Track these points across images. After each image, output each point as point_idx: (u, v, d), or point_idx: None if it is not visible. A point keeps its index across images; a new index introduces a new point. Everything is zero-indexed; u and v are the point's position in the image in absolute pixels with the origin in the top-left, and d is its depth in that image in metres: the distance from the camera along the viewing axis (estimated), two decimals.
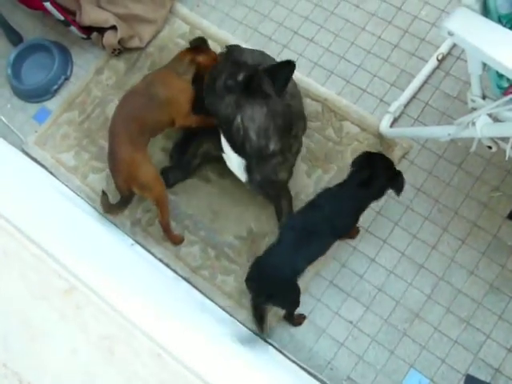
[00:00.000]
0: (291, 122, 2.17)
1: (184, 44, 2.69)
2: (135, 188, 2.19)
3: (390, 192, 2.28)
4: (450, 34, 1.46)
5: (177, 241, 2.37)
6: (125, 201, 2.26)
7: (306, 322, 2.22)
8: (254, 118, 2.05)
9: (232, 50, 2.35)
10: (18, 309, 0.88)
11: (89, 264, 1.07)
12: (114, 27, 2.66)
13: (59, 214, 1.65)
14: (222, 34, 2.69)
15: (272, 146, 2.09)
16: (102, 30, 2.69)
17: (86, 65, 2.79)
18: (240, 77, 2.06)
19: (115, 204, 2.29)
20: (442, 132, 1.99)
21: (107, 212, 2.35)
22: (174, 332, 1.09)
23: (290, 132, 2.17)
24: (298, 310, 2.17)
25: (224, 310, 2.26)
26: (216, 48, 2.63)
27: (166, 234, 2.34)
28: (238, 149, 2.11)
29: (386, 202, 2.32)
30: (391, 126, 2.38)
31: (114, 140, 2.21)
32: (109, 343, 0.83)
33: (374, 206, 2.31)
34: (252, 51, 2.29)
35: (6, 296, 0.87)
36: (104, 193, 2.30)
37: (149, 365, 0.85)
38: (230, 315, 2.25)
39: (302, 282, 2.23)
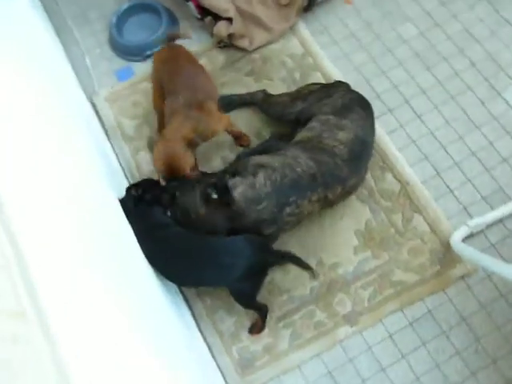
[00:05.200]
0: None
1: (290, 65, 2.53)
2: None
3: (432, 308, 2.07)
4: None
5: None
6: None
7: None
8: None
9: (338, 85, 2.27)
10: None
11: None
12: (229, 19, 2.52)
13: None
14: (332, 71, 2.50)
15: None
16: (217, 17, 2.55)
17: (188, 44, 2.62)
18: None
19: None
20: None
21: None
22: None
23: None
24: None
25: (209, 348, 2.07)
26: (320, 80, 2.46)
27: None
28: None
29: (422, 316, 2.07)
30: (463, 240, 2.12)
31: None
32: None
33: (409, 316, 2.07)
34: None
35: None
36: None
37: None
38: (213, 357, 2.05)
39: (296, 358, 2.04)
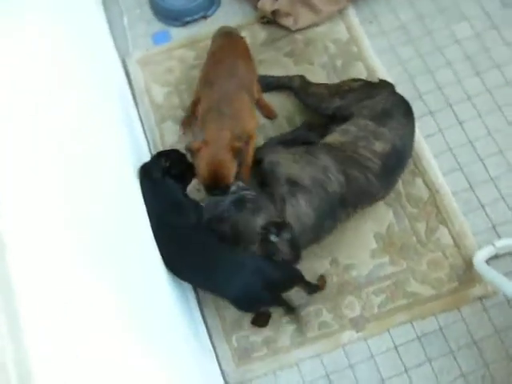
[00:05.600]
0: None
1: (333, 51, 2.41)
2: None
3: (443, 326, 1.98)
4: None
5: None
6: None
7: None
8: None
9: (381, 86, 2.16)
10: None
11: None
12: None
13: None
14: (376, 64, 2.37)
15: None
16: None
17: (231, 15, 2.55)
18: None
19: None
20: None
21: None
22: None
23: None
24: None
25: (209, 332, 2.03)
26: (362, 71, 2.34)
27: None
28: None
29: (432, 332, 1.99)
30: (487, 260, 2.02)
31: None
32: None
33: (418, 329, 1.99)
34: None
35: None
36: None
37: None
38: (212, 342, 2.01)
39: (296, 356, 1.98)
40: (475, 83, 2.32)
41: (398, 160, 2.03)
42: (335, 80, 2.34)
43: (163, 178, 1.89)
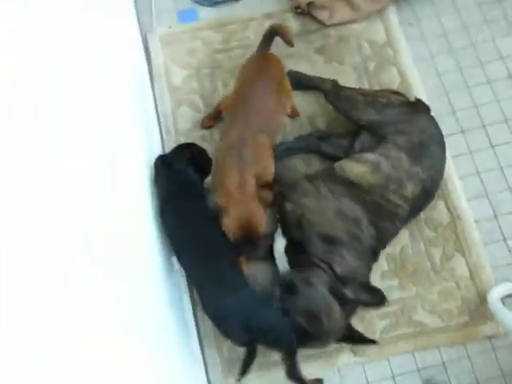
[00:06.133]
0: None
1: (367, 52, 2.25)
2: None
3: (447, 361, 1.87)
4: None
5: None
6: None
7: None
8: None
9: (421, 109, 1.97)
10: None
11: None
12: None
13: None
14: (411, 72, 2.21)
15: None
16: None
17: (263, 1, 2.39)
18: None
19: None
20: None
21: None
22: None
23: None
24: None
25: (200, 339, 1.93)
26: (395, 77, 2.20)
27: None
28: None
29: (434, 366, 1.88)
30: (502, 299, 1.90)
31: None
32: None
33: (420, 361, 1.89)
34: None
35: None
36: None
37: None
38: (202, 349, 1.92)
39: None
40: None
41: (426, 200, 1.92)
42: (365, 83, 2.20)
43: (186, 169, 1.83)
